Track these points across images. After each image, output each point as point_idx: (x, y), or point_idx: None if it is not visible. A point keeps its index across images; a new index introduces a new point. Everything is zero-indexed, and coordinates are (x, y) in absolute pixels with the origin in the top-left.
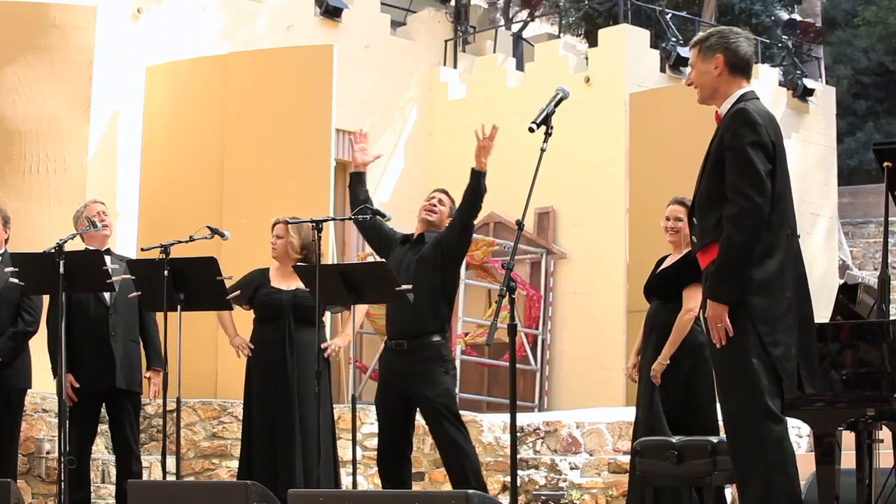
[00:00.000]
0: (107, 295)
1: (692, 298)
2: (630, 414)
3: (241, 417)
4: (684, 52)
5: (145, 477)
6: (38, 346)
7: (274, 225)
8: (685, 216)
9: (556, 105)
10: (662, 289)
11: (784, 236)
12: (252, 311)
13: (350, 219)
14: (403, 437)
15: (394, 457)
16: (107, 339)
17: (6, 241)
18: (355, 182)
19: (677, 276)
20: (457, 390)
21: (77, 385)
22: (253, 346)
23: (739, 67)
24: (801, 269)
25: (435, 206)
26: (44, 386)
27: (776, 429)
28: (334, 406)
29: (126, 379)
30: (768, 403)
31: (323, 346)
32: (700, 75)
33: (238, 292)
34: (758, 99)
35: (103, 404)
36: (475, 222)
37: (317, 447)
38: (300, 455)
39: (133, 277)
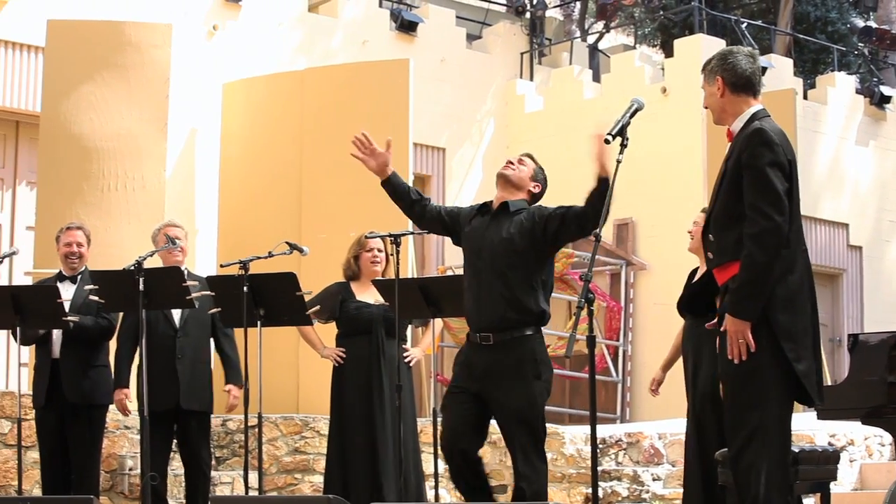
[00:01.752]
0: (176, 317)
1: None
2: None
3: (322, 432)
4: (761, 61)
5: (228, 493)
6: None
7: (366, 239)
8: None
9: (632, 116)
10: (695, 304)
11: (801, 252)
12: (335, 325)
13: (428, 232)
14: (473, 444)
15: (462, 463)
16: (172, 360)
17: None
18: (392, 186)
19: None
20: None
21: (130, 401)
22: (343, 355)
23: (741, 86)
24: (813, 283)
25: (514, 163)
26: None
27: (787, 446)
28: (417, 419)
29: (192, 399)
30: (785, 420)
31: (405, 356)
32: (708, 98)
33: (318, 307)
34: (769, 117)
35: (175, 423)
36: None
37: (399, 460)
38: (389, 469)
39: (212, 294)
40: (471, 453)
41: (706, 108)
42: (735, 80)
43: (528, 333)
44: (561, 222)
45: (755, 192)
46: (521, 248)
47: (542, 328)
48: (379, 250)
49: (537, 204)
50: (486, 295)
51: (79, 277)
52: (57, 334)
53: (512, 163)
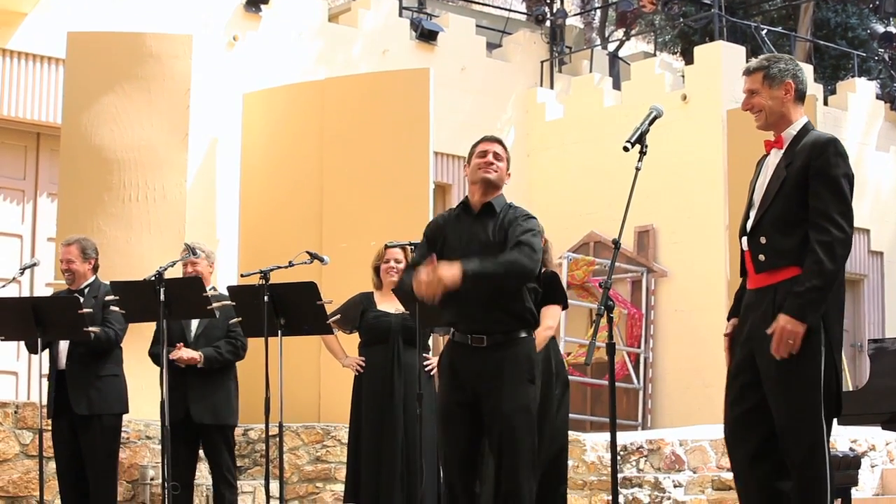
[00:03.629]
0: (192, 331)
1: None
2: None
3: (344, 441)
4: None
5: (249, 502)
6: (135, 371)
7: (386, 249)
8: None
9: (650, 124)
10: None
11: None
12: (357, 335)
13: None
14: (472, 450)
15: (463, 470)
16: (183, 372)
17: (95, 270)
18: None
19: None
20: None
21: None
22: (364, 364)
23: (801, 95)
24: None
25: (492, 161)
26: (147, 413)
27: (827, 459)
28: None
29: (205, 412)
30: (826, 429)
31: (426, 364)
32: (769, 100)
33: (339, 315)
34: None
35: (198, 435)
36: (571, 247)
37: (419, 468)
38: (403, 477)
39: (234, 304)
40: (469, 485)
41: (753, 110)
42: (802, 88)
43: (522, 336)
44: (520, 241)
45: (829, 201)
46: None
47: (564, 336)
48: (397, 260)
49: (512, 205)
50: (476, 297)
51: (85, 291)
52: (63, 345)
53: (490, 163)
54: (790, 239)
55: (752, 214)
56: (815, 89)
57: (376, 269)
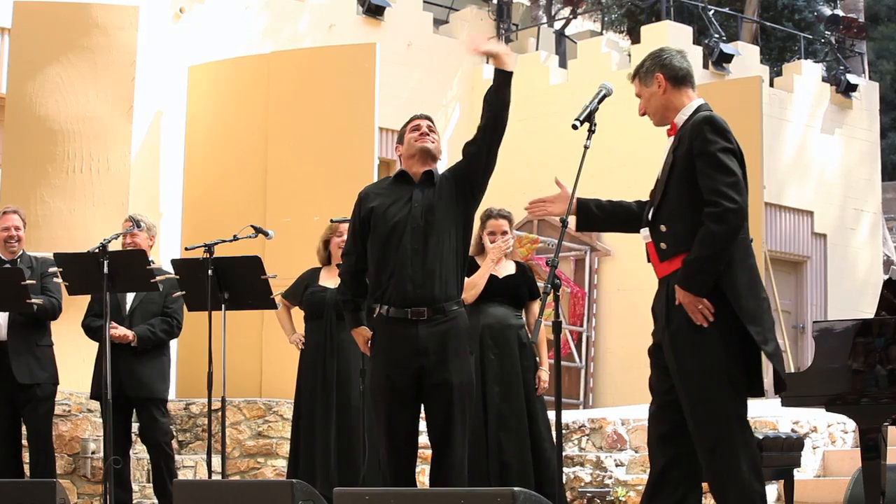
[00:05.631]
0: (127, 305)
1: None
2: None
3: (286, 416)
4: (728, 48)
5: (191, 477)
6: (71, 344)
7: (335, 224)
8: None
9: (600, 102)
10: None
11: (749, 240)
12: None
13: None
14: (412, 430)
15: (403, 452)
16: (118, 347)
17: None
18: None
19: None
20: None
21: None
22: (304, 340)
23: (680, 79)
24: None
25: (427, 133)
26: (86, 386)
27: (748, 433)
28: None
29: (137, 387)
30: (746, 410)
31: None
32: (647, 100)
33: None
34: (712, 111)
35: (132, 409)
36: (515, 225)
37: (362, 446)
38: (336, 453)
39: (177, 277)
40: (411, 468)
41: (644, 114)
42: (675, 75)
43: (459, 308)
44: (473, 160)
45: (714, 177)
46: (451, 217)
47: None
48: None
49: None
50: (415, 268)
51: (17, 261)
52: (2, 316)
53: (426, 133)
54: (688, 224)
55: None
56: (761, 71)
57: (326, 243)
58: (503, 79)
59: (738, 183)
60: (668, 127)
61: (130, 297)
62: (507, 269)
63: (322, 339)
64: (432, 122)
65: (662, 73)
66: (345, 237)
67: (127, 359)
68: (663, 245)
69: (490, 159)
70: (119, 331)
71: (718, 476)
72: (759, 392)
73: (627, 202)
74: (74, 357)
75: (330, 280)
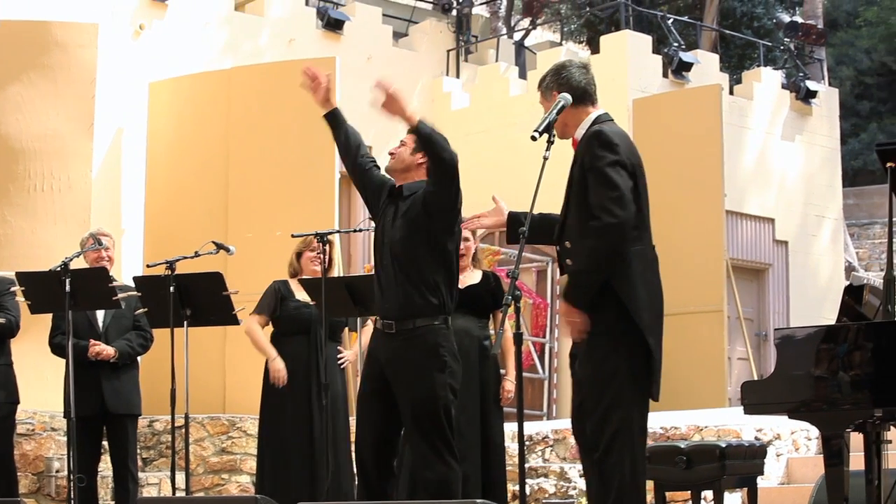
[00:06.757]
0: (99, 321)
1: None
2: None
3: (250, 432)
4: (687, 56)
5: (155, 494)
6: (37, 362)
7: (309, 238)
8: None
9: (559, 113)
10: None
11: (652, 250)
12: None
13: (355, 231)
14: (385, 440)
15: (374, 463)
16: (96, 364)
17: None
18: (336, 123)
19: None
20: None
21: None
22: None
23: (578, 97)
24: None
25: (393, 151)
26: (52, 404)
27: (645, 443)
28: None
29: (119, 403)
30: (644, 418)
31: (338, 358)
32: (553, 113)
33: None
34: (612, 121)
35: (104, 426)
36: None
37: (325, 460)
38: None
39: (139, 294)
40: (381, 468)
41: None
42: (572, 93)
43: (434, 324)
44: (425, 193)
45: (600, 192)
46: (416, 233)
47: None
48: (322, 251)
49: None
50: (388, 282)
51: None
52: None
53: (392, 152)
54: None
55: None
56: (720, 79)
57: (299, 255)
58: (417, 138)
59: (622, 197)
60: (572, 141)
61: (101, 313)
62: (472, 278)
63: (306, 354)
64: (408, 137)
65: (559, 91)
66: (317, 252)
67: (108, 375)
68: (568, 261)
69: (445, 195)
70: (100, 347)
71: (604, 478)
72: (655, 397)
73: (556, 215)
74: (37, 375)
75: (302, 293)
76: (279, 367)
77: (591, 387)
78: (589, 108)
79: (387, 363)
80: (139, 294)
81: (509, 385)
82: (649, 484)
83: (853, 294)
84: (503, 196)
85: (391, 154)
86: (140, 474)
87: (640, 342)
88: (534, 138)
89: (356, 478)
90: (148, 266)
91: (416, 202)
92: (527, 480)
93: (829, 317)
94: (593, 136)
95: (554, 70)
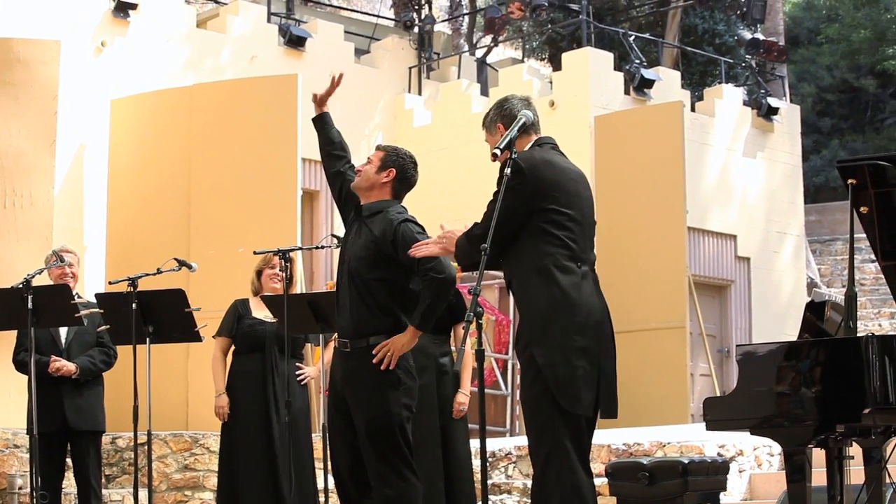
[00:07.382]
0: (62, 338)
1: None
2: (600, 437)
3: (212, 448)
4: (648, 73)
5: None
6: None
7: (269, 255)
8: None
9: (520, 130)
10: None
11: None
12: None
13: (318, 248)
14: (359, 458)
15: (353, 482)
16: (58, 380)
17: None
18: (324, 126)
19: None
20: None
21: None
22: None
23: (520, 129)
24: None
25: (360, 169)
26: (14, 421)
27: (583, 461)
28: (311, 435)
29: (81, 419)
30: (577, 438)
31: (298, 374)
32: (494, 148)
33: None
34: (546, 145)
35: (67, 443)
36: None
37: (290, 477)
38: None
39: (101, 311)
40: (360, 485)
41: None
42: (514, 121)
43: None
44: (414, 260)
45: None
46: (378, 259)
47: None
48: (282, 268)
49: (396, 206)
50: (344, 300)
51: None
52: None
53: (359, 170)
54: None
55: None
56: (682, 96)
57: (259, 273)
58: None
59: (485, 224)
60: None
61: (64, 330)
62: None
63: (264, 371)
64: (379, 147)
65: (503, 123)
66: (276, 270)
67: (70, 391)
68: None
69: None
70: (60, 363)
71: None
72: (613, 414)
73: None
74: (1, 392)
75: (260, 311)
76: (221, 403)
77: (526, 405)
78: (532, 137)
79: (343, 382)
80: (101, 311)
81: (461, 398)
82: (612, 500)
83: (815, 310)
84: (464, 215)
85: (357, 171)
86: (103, 491)
87: (553, 364)
88: (495, 156)
89: (320, 494)
90: (110, 283)
91: (389, 232)
92: (490, 497)
93: (791, 333)
94: (509, 162)
95: (497, 105)
